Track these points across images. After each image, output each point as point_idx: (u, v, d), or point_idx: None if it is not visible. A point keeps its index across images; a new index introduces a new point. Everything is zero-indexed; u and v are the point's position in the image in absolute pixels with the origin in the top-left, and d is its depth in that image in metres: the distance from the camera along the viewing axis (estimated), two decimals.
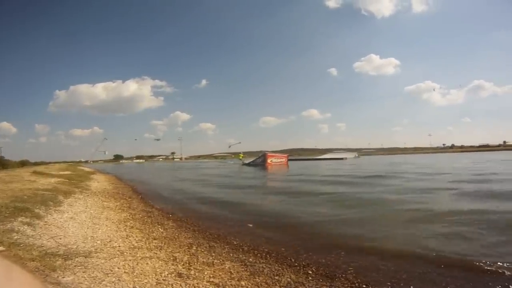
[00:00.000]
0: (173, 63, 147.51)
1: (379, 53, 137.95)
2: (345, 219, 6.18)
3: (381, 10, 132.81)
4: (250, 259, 3.89)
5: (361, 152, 74.03)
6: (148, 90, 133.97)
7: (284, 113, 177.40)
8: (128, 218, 6.19)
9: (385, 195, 9.18)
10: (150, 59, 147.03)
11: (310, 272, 3.52)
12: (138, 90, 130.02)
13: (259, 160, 33.10)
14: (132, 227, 5.40)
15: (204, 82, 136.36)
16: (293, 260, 3.92)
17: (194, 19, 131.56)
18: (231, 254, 4.07)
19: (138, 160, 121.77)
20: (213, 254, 4.03)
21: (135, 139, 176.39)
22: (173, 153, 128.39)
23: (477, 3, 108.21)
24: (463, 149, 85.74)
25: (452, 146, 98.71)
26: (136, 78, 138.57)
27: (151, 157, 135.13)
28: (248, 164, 34.23)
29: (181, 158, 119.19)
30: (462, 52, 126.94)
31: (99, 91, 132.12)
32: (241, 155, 39.06)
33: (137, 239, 4.55)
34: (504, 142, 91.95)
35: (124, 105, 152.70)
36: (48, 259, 3.04)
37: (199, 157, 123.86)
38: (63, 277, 2.63)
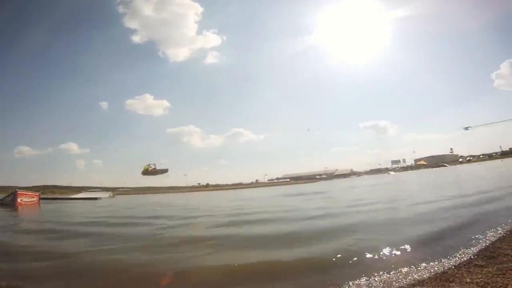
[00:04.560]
0: None
1: (155, 94, 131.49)
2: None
3: (177, 55, 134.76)
4: None
5: (117, 191, 71.24)
6: None
7: (42, 144, 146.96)
8: None
9: None
10: None
11: None
12: None
13: (9, 199, 28.81)
14: None
15: None
16: None
17: None
18: None
19: None
20: None
21: None
22: None
23: (255, 64, 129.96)
24: (218, 187, 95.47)
25: (207, 185, 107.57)
26: None
27: None
28: None
29: None
30: (230, 104, 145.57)
31: None
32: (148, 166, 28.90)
33: None
34: (256, 180, 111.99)
35: None
36: None
37: None
38: None
